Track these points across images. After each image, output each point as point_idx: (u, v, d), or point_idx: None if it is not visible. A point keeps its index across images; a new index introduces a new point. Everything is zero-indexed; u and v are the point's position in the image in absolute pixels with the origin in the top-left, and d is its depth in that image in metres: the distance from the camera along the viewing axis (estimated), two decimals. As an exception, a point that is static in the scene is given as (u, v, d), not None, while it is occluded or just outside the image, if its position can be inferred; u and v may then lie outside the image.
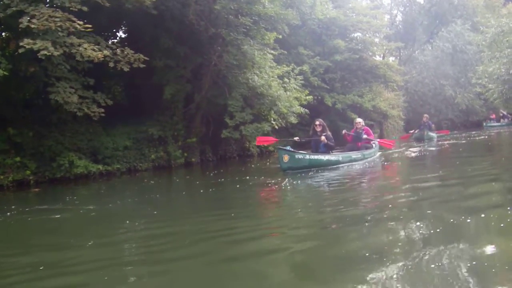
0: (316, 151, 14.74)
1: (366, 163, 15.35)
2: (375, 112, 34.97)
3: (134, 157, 19.10)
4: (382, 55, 46.19)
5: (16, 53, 14.79)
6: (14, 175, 15.58)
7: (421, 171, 13.31)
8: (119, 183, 15.81)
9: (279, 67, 24.24)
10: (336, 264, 4.78)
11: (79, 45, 14.11)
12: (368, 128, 18.56)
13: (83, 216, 8.79)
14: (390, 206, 7.45)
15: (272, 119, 22.12)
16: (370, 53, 36.43)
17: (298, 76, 25.77)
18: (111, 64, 15.18)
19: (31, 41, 13.25)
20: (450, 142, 24.91)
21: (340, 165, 14.51)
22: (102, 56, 14.44)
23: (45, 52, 13.17)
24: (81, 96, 15.43)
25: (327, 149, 14.68)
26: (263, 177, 13.35)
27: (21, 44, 13.23)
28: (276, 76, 23.10)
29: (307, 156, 13.75)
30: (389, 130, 40.13)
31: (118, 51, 15.51)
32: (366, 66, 34.92)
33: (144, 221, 7.79)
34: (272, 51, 23.36)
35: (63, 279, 5.09)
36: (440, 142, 25.09)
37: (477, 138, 27.16)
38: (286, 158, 13.20)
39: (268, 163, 18.88)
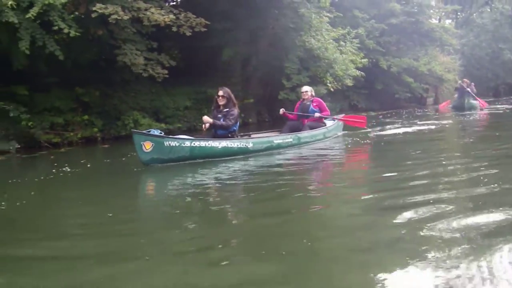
0: (214, 134, 10.54)
1: (302, 151, 11.37)
2: (430, 76, 34.72)
3: (194, 117, 19.88)
4: (438, 18, 45.54)
5: (82, 17, 15.56)
6: (83, 132, 16.55)
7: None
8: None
9: (335, 30, 24.49)
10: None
11: (146, 10, 14.80)
12: (321, 100, 13.52)
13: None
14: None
15: (328, 81, 22.51)
16: (426, 16, 35.97)
17: (354, 40, 25.95)
18: (174, 28, 15.80)
19: (102, 5, 13.98)
20: (496, 112, 22.95)
21: (248, 155, 10.40)
22: (168, 20, 15.08)
23: (115, 16, 13.93)
24: (146, 58, 16.17)
25: (226, 131, 10.37)
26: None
27: (93, 9, 13.98)
28: (332, 39, 23.38)
29: (187, 143, 9.51)
30: (445, 94, 39.83)
31: (181, 15, 16.08)
32: (422, 29, 34.60)
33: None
34: (328, 14, 23.64)
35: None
36: (483, 113, 22.58)
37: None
38: (148, 146, 9.07)
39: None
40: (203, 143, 9.69)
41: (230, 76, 21.33)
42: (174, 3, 22.38)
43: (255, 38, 21.72)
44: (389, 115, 24.20)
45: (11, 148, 14.29)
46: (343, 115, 16.27)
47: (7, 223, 5.72)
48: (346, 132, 14.95)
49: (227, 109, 10.25)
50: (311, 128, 12.72)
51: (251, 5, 20.93)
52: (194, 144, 9.53)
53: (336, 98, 27.61)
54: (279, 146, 11.24)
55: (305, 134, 12.33)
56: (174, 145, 9.30)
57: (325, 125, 13.32)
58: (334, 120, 14.34)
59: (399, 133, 14.75)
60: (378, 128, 16.35)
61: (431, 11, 37.35)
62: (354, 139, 13.37)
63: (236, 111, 10.35)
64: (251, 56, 21.95)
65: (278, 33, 21.48)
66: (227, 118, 10.18)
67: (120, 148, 14.37)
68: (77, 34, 13.92)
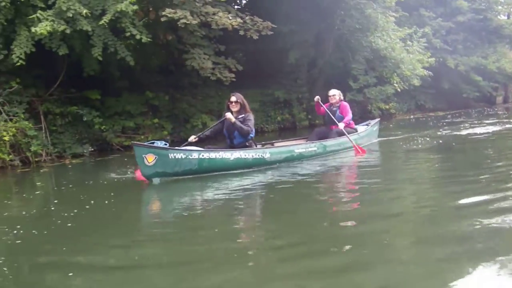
0: (231, 143, 9.63)
1: (329, 161, 10.25)
2: (500, 73, 33.69)
3: (261, 119, 20.10)
4: (507, 15, 44.28)
5: (150, 22, 15.91)
6: (153, 135, 16.90)
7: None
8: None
9: (401, 29, 24.21)
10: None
11: (214, 14, 15.03)
12: (346, 104, 11.98)
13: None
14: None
15: (395, 81, 22.32)
16: (494, 13, 35.07)
17: (421, 39, 25.60)
18: (241, 32, 15.94)
19: (172, 10, 14.27)
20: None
21: (265, 167, 9.46)
22: (236, 24, 15.26)
23: (184, 20, 14.20)
24: (214, 62, 16.39)
25: (244, 139, 9.52)
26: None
27: (163, 13, 14.27)
28: (398, 39, 23.15)
29: (195, 155, 8.68)
30: (515, 92, 38.78)
31: (248, 19, 16.23)
32: (490, 27, 33.77)
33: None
34: (394, 14, 23.40)
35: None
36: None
37: None
38: (150, 158, 8.27)
39: (391, 125, 19.10)
40: (213, 155, 8.82)
41: (296, 78, 21.53)
42: (239, 7, 22.64)
43: (320, 39, 21.73)
44: (457, 114, 23.79)
45: (85, 151, 14.78)
46: (377, 120, 14.09)
47: (81, 227, 5.91)
48: (384, 138, 13.88)
49: (243, 115, 9.38)
50: (340, 135, 11.28)
51: (316, 7, 20.89)
52: (202, 156, 8.70)
53: (403, 98, 27.32)
54: (301, 157, 10.18)
55: (331, 142, 11.05)
56: (180, 157, 8.48)
57: (356, 131, 11.98)
58: (367, 125, 13.04)
59: (473, 133, 14.27)
60: (448, 128, 15.89)
61: (500, 7, 36.30)
62: (400, 144, 12.60)
63: (252, 117, 9.53)
64: (317, 58, 21.98)
65: (344, 34, 21.45)
66: (245, 124, 9.29)
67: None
68: (148, 40, 14.26)
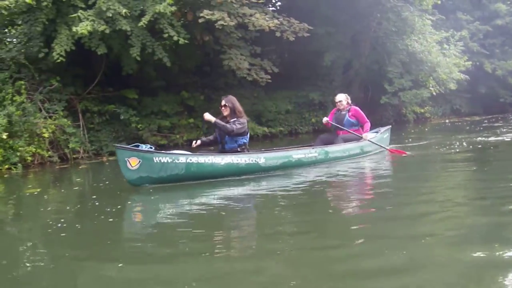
0: (222, 148, 8.82)
1: (334, 169, 9.21)
2: (540, 78, 33.25)
3: (295, 120, 20.30)
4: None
5: (187, 23, 16.12)
6: (188, 134, 17.16)
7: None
8: (281, 143, 16.17)
9: (438, 32, 24.03)
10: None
11: (251, 15, 15.16)
12: (358, 109, 10.98)
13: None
14: None
15: (430, 85, 22.18)
16: (534, 16, 34.56)
17: (458, 42, 25.36)
18: (278, 34, 16.04)
19: (209, 12, 14.44)
20: None
21: (260, 173, 8.67)
22: (273, 25, 15.36)
23: (222, 22, 14.36)
24: (250, 63, 16.50)
25: (235, 144, 8.71)
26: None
27: (201, 15, 14.47)
28: (435, 42, 22.98)
29: (182, 159, 7.98)
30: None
31: (284, 21, 16.30)
32: (529, 30, 33.26)
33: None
34: (431, 17, 23.26)
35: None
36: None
37: None
38: (134, 162, 7.68)
39: (426, 129, 18.94)
40: (201, 159, 8.08)
41: (332, 80, 21.57)
42: (275, 8, 22.71)
43: (356, 42, 21.70)
44: (494, 119, 23.36)
45: (121, 149, 14.96)
46: (387, 127, 12.68)
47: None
48: (400, 145, 12.90)
49: (234, 120, 8.58)
50: (346, 141, 10.56)
51: (353, 9, 20.89)
52: (190, 160, 7.99)
53: (438, 102, 27.13)
54: (300, 163, 9.28)
55: (335, 148, 10.19)
56: (165, 161, 7.81)
57: (361, 138, 10.78)
58: (377, 132, 11.81)
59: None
60: (486, 133, 15.34)
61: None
62: (436, 148, 11.91)
63: (244, 120, 8.69)
64: (352, 60, 21.96)
65: (380, 37, 21.38)
66: (234, 124, 8.49)
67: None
68: (186, 41, 14.43)
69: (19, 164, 12.13)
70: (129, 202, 7.22)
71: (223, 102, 8.84)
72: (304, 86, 21.10)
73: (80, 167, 12.73)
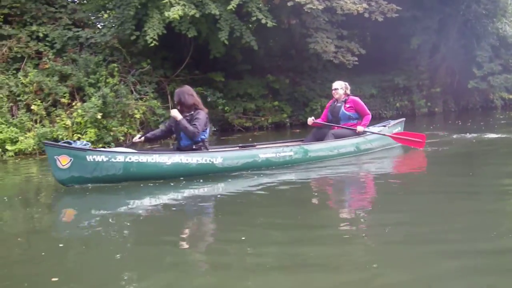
0: (178, 145, 7.79)
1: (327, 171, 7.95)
2: None
3: (380, 105, 20.10)
4: None
5: (274, 6, 16.18)
6: (273, 117, 17.39)
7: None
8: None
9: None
10: None
11: None
12: (357, 100, 9.37)
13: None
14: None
15: (521, 71, 21.53)
16: None
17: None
18: (366, 15, 15.93)
19: (301, -5, 14.52)
20: None
21: (216, 174, 7.46)
22: (362, 9, 15.28)
23: (311, 6, 14.38)
24: (336, 46, 16.47)
25: (190, 141, 7.57)
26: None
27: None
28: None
29: (120, 158, 7.04)
30: None
31: (373, 2, 16.16)
32: None
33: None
34: (525, -1, 22.53)
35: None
36: None
37: None
38: (64, 160, 6.85)
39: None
40: (143, 158, 7.10)
41: (417, 64, 21.18)
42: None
43: (444, 26, 21.15)
44: None
45: (209, 130, 15.30)
46: (401, 120, 11.02)
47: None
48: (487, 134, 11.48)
49: (191, 113, 7.54)
50: (337, 136, 9.06)
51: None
52: (129, 159, 7.03)
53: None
54: (268, 164, 7.96)
55: (318, 146, 8.76)
56: (100, 160, 6.93)
57: (355, 133, 9.25)
58: (384, 126, 10.29)
59: None
60: None
61: None
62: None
63: (202, 114, 7.53)
64: (439, 45, 21.45)
65: (469, 20, 20.81)
66: (193, 124, 7.40)
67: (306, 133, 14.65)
68: (274, 24, 14.55)
69: (112, 144, 12.61)
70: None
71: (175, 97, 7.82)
72: (389, 70, 20.80)
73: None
